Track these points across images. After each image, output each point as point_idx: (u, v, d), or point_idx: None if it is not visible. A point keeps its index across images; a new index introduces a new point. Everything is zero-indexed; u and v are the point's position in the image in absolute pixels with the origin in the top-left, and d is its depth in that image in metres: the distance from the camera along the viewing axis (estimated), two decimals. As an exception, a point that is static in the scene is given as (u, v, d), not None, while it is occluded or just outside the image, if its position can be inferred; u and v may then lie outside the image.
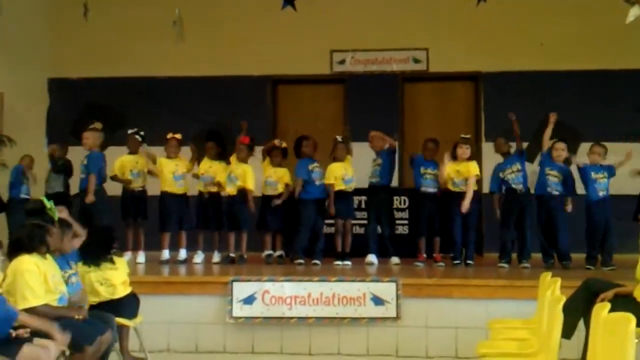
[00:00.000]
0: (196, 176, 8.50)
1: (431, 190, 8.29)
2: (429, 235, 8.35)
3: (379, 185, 8.47)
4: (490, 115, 10.25)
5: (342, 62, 10.76)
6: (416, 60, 10.66)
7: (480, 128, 10.39)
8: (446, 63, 10.38)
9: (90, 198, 8.03)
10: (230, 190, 8.31)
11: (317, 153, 8.61)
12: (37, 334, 4.29)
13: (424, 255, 8.28)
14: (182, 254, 8.33)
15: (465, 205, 7.94)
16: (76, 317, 4.80)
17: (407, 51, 10.65)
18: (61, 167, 8.93)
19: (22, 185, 9.14)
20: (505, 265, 7.93)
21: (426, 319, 6.45)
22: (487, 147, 9.50)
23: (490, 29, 10.08)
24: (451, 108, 10.69)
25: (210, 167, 8.46)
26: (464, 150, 8.20)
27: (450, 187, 8.19)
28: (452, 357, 6.27)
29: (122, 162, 8.51)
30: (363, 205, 9.02)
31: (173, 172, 8.34)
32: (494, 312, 6.07)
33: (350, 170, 8.40)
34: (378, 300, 6.45)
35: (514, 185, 8.08)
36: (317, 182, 8.32)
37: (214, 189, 8.38)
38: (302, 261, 8.10)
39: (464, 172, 8.15)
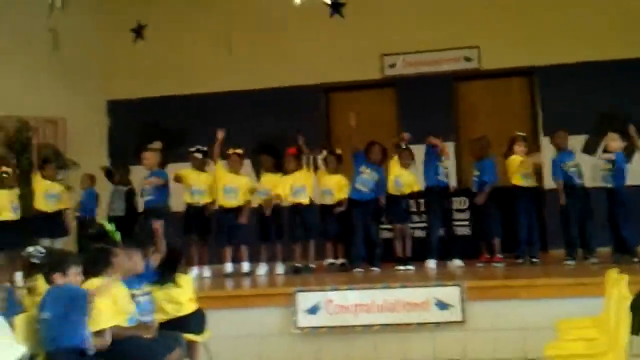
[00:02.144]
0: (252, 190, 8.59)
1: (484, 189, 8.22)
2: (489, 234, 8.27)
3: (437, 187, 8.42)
4: (547, 109, 10.08)
5: (393, 65, 10.73)
6: (467, 59, 10.57)
7: (538, 123, 10.23)
8: (498, 60, 10.27)
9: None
10: (301, 199, 8.38)
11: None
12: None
13: (487, 256, 8.19)
14: (245, 266, 8.43)
15: None
16: (145, 336, 4.90)
17: (458, 50, 10.57)
18: (124, 189, 9.09)
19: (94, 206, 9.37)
20: (571, 262, 7.78)
21: (492, 322, 6.38)
22: (546, 142, 9.35)
23: (541, 21, 9.96)
24: (506, 105, 10.55)
25: (269, 181, 8.57)
26: (522, 147, 8.08)
27: (520, 181, 8.08)
28: (521, 359, 6.18)
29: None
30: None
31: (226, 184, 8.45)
32: (561, 311, 5.96)
33: (405, 175, 8.35)
34: (443, 305, 6.42)
35: (575, 179, 7.93)
36: (364, 188, 8.28)
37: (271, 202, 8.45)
38: (360, 269, 8.10)
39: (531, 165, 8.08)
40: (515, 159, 8.09)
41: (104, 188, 9.44)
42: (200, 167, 8.61)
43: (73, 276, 4.52)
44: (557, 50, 9.97)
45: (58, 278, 4.45)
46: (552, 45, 9.99)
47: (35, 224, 8.71)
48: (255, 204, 8.66)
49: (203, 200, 8.52)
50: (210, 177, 8.59)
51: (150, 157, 8.56)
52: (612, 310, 4.48)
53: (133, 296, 5.24)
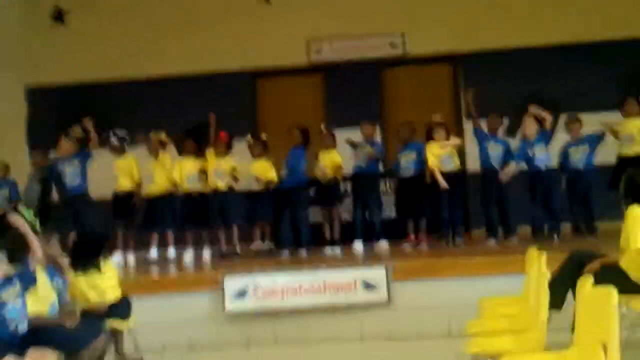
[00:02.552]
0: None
1: (409, 174, 8.37)
2: (415, 216, 8.41)
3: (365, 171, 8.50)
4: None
5: (319, 51, 10.74)
6: (393, 45, 10.66)
7: (460, 109, 10.42)
8: (423, 46, 10.39)
9: None
10: (220, 185, 8.34)
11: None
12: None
13: (412, 236, 8.33)
14: (171, 252, 8.37)
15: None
16: (68, 324, 4.81)
17: (384, 36, 10.64)
18: (46, 176, 8.81)
19: None
20: (492, 241, 7.99)
21: (417, 301, 6.50)
22: (468, 127, 9.54)
23: (466, 8, 10.12)
24: (431, 91, 10.69)
25: (194, 166, 8.49)
26: (440, 134, 8.26)
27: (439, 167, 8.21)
28: (445, 337, 6.30)
29: None
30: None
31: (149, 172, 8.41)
32: (484, 289, 6.10)
33: (333, 160, 8.45)
34: (369, 286, 6.50)
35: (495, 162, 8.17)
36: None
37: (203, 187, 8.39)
38: (287, 253, 8.15)
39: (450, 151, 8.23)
40: (433, 145, 8.24)
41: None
42: (117, 152, 8.51)
43: None
44: (481, 36, 10.15)
45: None
46: (476, 31, 10.17)
47: None
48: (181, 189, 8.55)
49: (124, 185, 8.45)
50: (128, 163, 8.52)
51: (64, 145, 8.43)
52: (532, 287, 4.60)
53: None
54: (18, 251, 4.76)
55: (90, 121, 8.45)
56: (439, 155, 8.18)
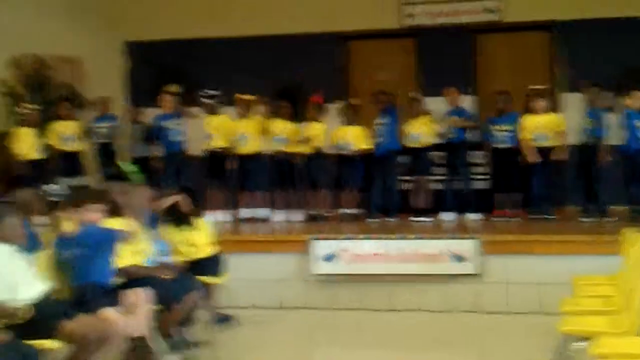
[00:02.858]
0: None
1: (504, 146, 8.18)
2: (508, 190, 8.24)
3: (453, 140, 8.38)
4: (568, 65, 9.95)
5: (411, 15, 10.56)
6: (489, 11, 10.39)
7: (557, 79, 10.10)
8: (520, 12, 10.08)
9: None
10: (305, 149, 8.36)
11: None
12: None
13: (507, 210, 8.17)
14: (261, 212, 8.46)
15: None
16: (163, 276, 4.94)
17: (479, 1, 10.38)
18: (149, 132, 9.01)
19: None
20: (587, 219, 7.77)
21: (508, 276, 6.41)
22: (566, 98, 9.25)
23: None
24: (526, 59, 10.39)
25: (285, 128, 8.49)
26: (539, 103, 7.98)
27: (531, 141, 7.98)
28: (535, 313, 6.22)
29: None
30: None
31: (241, 133, 8.45)
32: (577, 268, 5.97)
33: (423, 128, 8.30)
34: (458, 257, 6.44)
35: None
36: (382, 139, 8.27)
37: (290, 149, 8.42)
38: (376, 220, 8.12)
39: (546, 125, 7.95)
40: (529, 118, 8.00)
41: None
42: (211, 111, 8.58)
43: (86, 211, 4.51)
44: (581, 4, 9.77)
45: (72, 213, 4.45)
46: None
47: (54, 163, 8.74)
48: (270, 151, 8.61)
49: (217, 144, 8.50)
50: (222, 121, 8.56)
51: (168, 100, 8.56)
52: (628, 269, 4.48)
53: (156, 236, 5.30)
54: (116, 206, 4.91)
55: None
56: (534, 130, 7.95)
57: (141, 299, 4.55)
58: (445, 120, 8.38)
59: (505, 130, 8.17)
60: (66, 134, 8.86)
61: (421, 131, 8.28)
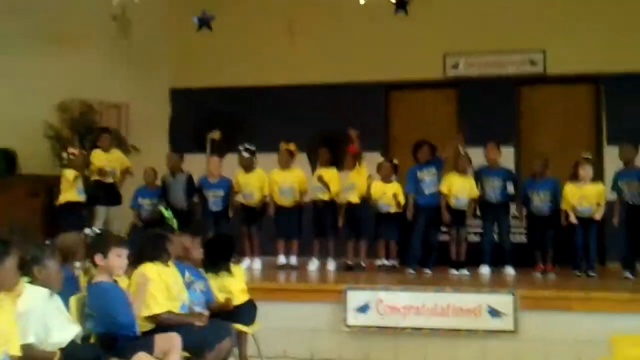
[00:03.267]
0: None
1: (544, 213, 8.09)
2: (544, 246, 8.13)
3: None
4: (613, 119, 9.84)
5: (455, 66, 10.61)
6: (532, 63, 10.38)
7: (602, 132, 9.99)
8: (564, 65, 10.05)
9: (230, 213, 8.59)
10: (352, 198, 8.35)
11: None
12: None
13: (542, 266, 8.06)
14: (293, 260, 8.48)
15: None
16: (196, 323, 4.95)
17: (523, 53, 10.38)
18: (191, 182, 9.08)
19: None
20: (629, 275, 7.59)
21: (545, 333, 6.28)
22: (610, 152, 9.14)
23: (610, 27, 9.70)
24: (570, 112, 10.32)
25: (326, 175, 8.47)
26: (587, 171, 7.84)
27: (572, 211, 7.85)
28: (572, 372, 6.09)
29: None
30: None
31: (280, 184, 8.49)
32: (617, 326, 5.83)
33: (467, 186, 8.19)
34: (495, 312, 6.34)
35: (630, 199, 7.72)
36: (427, 191, 8.21)
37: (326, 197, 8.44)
38: (412, 271, 8.05)
39: (589, 197, 7.82)
40: (572, 188, 7.88)
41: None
42: (247, 166, 8.60)
43: (114, 258, 4.52)
44: (626, 57, 9.69)
45: (99, 260, 4.49)
46: (621, 52, 9.72)
47: (92, 191, 8.84)
48: (309, 199, 8.62)
49: (253, 201, 8.54)
50: (258, 177, 8.58)
51: (216, 163, 8.78)
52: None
53: (189, 285, 5.33)
54: (155, 250, 4.96)
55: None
56: (577, 199, 7.83)
57: (174, 345, 4.55)
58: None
59: (543, 199, 8.07)
60: (108, 167, 8.94)
61: (466, 195, 8.17)
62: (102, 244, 4.57)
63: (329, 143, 8.80)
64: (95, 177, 8.89)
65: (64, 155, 8.79)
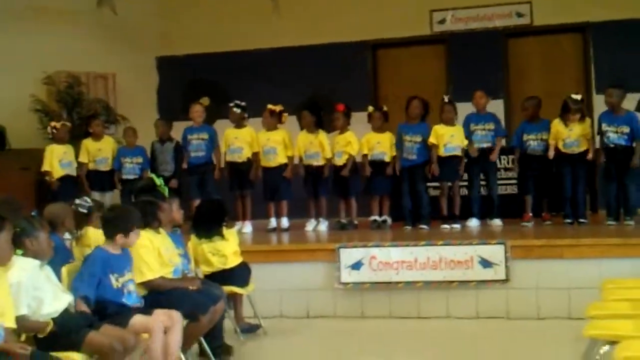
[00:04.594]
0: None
1: (539, 152, 8.09)
2: (537, 194, 8.16)
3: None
4: (600, 67, 9.84)
5: (442, 21, 10.56)
6: (519, 14, 10.33)
7: (590, 82, 9.99)
8: (551, 15, 10.00)
9: (218, 174, 8.58)
10: (337, 161, 8.38)
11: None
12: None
13: (530, 215, 8.10)
14: (284, 222, 8.51)
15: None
16: (190, 288, 5.00)
17: (510, 5, 10.33)
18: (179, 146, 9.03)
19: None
20: (613, 222, 7.65)
21: (536, 281, 6.35)
22: (598, 100, 9.14)
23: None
24: (558, 62, 10.30)
25: (312, 143, 8.45)
26: (575, 115, 7.84)
27: (561, 147, 7.89)
28: (564, 318, 6.15)
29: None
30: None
31: (264, 145, 8.49)
32: (607, 271, 5.90)
33: (457, 137, 8.17)
34: (486, 263, 6.40)
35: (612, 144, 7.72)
36: (405, 155, 8.19)
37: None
38: (408, 226, 8.10)
39: (578, 134, 7.85)
40: (560, 125, 7.90)
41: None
42: (238, 121, 8.61)
43: (134, 237, 4.56)
44: (612, 5, 9.65)
45: (119, 239, 4.50)
46: (606, 0, 9.67)
47: (85, 178, 8.89)
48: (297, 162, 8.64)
49: (241, 157, 8.53)
50: (248, 133, 8.59)
51: (198, 111, 8.70)
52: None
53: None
54: (147, 218, 4.97)
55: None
56: (565, 138, 7.87)
57: (175, 322, 4.57)
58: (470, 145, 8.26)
59: (539, 139, 8.08)
60: (99, 156, 8.91)
61: (455, 144, 8.16)
62: (127, 222, 4.55)
63: (314, 105, 8.75)
64: (90, 167, 8.90)
65: (48, 129, 8.80)
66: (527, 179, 8.23)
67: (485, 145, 8.23)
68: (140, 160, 8.89)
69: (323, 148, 8.41)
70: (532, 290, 6.35)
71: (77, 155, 8.85)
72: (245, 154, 8.55)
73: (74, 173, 8.77)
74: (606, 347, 3.80)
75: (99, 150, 8.94)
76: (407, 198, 8.22)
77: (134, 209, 4.77)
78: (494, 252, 6.41)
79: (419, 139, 8.17)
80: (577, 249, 6.38)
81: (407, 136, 8.20)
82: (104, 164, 8.93)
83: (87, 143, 8.96)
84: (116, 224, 4.53)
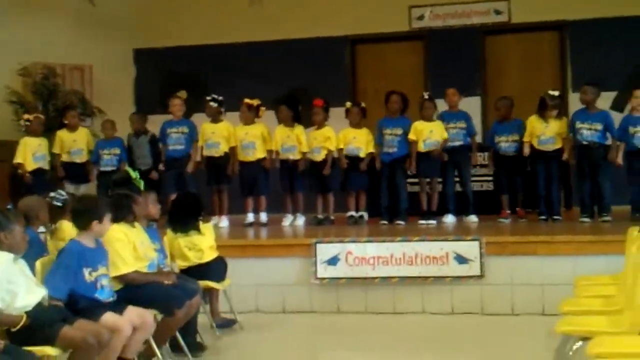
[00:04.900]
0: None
1: (510, 153, 8.15)
2: (511, 191, 8.22)
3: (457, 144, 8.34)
4: (577, 65, 9.92)
5: (420, 17, 10.59)
6: (497, 12, 10.39)
7: (567, 80, 10.07)
8: (529, 13, 10.08)
9: (192, 166, 8.50)
10: (316, 156, 8.39)
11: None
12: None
13: (508, 212, 8.16)
14: (263, 217, 8.51)
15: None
16: (165, 282, 4.97)
17: (488, 2, 10.39)
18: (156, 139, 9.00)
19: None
20: (587, 219, 7.73)
21: (510, 277, 6.40)
22: (574, 98, 9.21)
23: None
24: (535, 60, 10.38)
25: (289, 137, 8.46)
26: (552, 112, 7.90)
27: (536, 145, 7.95)
28: (538, 314, 6.21)
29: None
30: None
31: (242, 140, 8.47)
32: (581, 268, 5.96)
33: (437, 132, 8.19)
34: (461, 259, 6.44)
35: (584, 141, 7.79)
36: (385, 149, 8.23)
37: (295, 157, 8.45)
38: (385, 222, 8.12)
39: (554, 131, 7.91)
40: (536, 122, 7.97)
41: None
42: (215, 116, 8.58)
43: (107, 223, 4.51)
44: (589, 3, 9.75)
45: (95, 226, 4.45)
46: (583, -1, 9.77)
47: (59, 171, 8.85)
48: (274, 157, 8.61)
49: (218, 152, 8.50)
50: (225, 127, 8.55)
51: (177, 104, 8.64)
52: (630, 268, 4.44)
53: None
54: (122, 211, 4.94)
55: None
56: (540, 135, 7.93)
57: (146, 323, 4.54)
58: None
59: (510, 140, 8.13)
60: (74, 147, 8.85)
61: (434, 139, 8.18)
62: (99, 210, 4.49)
63: (291, 100, 8.74)
64: (64, 159, 8.82)
65: (21, 121, 8.72)
66: (501, 178, 8.30)
67: (457, 143, 8.27)
68: (117, 151, 8.85)
69: (300, 142, 8.41)
70: (507, 286, 6.39)
71: (51, 148, 8.77)
72: (222, 149, 8.51)
73: (47, 166, 8.72)
74: (579, 343, 3.84)
75: (74, 142, 8.89)
76: (385, 195, 8.24)
77: (102, 197, 4.73)
78: (469, 248, 6.45)
79: (399, 131, 8.20)
80: (552, 246, 6.43)
81: (387, 129, 8.23)
82: (78, 155, 8.88)
83: (62, 134, 8.90)
84: (88, 214, 4.47)
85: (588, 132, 7.72)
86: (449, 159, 8.24)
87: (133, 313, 4.47)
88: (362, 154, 8.33)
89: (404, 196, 8.26)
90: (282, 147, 8.48)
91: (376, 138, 8.33)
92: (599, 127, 7.71)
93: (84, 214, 4.49)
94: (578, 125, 7.78)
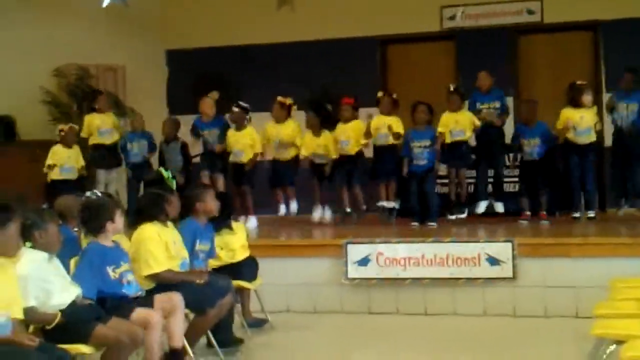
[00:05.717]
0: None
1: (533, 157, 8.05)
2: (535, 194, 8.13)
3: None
4: (611, 66, 9.79)
5: (452, 17, 10.54)
6: (530, 12, 10.30)
7: (600, 80, 9.95)
8: (561, 13, 9.96)
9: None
10: (345, 149, 8.41)
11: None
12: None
13: (528, 213, 8.04)
14: (293, 207, 8.56)
15: None
16: (197, 281, 5.00)
17: (520, 2, 10.30)
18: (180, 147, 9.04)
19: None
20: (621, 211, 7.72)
21: (543, 279, 6.34)
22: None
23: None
24: (568, 60, 10.27)
25: (318, 145, 8.49)
26: (587, 97, 7.86)
27: (571, 137, 7.86)
28: (572, 317, 6.14)
29: None
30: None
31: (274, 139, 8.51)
32: (615, 270, 5.87)
33: (462, 122, 8.18)
34: (493, 261, 6.39)
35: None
36: (415, 162, 8.13)
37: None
38: (415, 223, 8.08)
39: (589, 122, 7.84)
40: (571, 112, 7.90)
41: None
42: (238, 122, 8.58)
43: (119, 220, 4.51)
44: (623, 3, 9.63)
45: (109, 226, 4.46)
46: (617, -1, 9.66)
47: (91, 155, 8.94)
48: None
49: (242, 159, 8.52)
50: (249, 135, 8.54)
51: (209, 105, 8.68)
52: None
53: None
54: (154, 210, 4.99)
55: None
56: (575, 126, 7.84)
57: (176, 304, 4.59)
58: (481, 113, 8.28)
59: (532, 145, 8.04)
60: (102, 127, 8.92)
61: (459, 128, 8.17)
62: (108, 210, 4.49)
63: (318, 106, 8.75)
64: (94, 141, 8.89)
65: (56, 132, 8.80)
66: (523, 181, 8.23)
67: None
68: (145, 143, 8.95)
69: (328, 150, 8.45)
70: (539, 288, 6.34)
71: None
72: (247, 156, 8.53)
73: (74, 177, 8.74)
74: (613, 346, 3.80)
75: (103, 122, 8.96)
76: (415, 198, 8.16)
77: (103, 196, 4.72)
78: (501, 249, 6.40)
79: (427, 143, 8.11)
80: (585, 248, 6.38)
81: (415, 142, 8.13)
82: (108, 135, 8.94)
83: (90, 118, 8.98)
84: (99, 216, 4.46)
85: (625, 112, 7.77)
86: (481, 149, 8.28)
87: (161, 300, 4.53)
88: (389, 142, 8.29)
89: (435, 201, 8.19)
90: (312, 154, 8.55)
91: (403, 149, 8.27)
92: (636, 107, 7.74)
93: (94, 220, 4.47)
94: (616, 103, 7.88)
